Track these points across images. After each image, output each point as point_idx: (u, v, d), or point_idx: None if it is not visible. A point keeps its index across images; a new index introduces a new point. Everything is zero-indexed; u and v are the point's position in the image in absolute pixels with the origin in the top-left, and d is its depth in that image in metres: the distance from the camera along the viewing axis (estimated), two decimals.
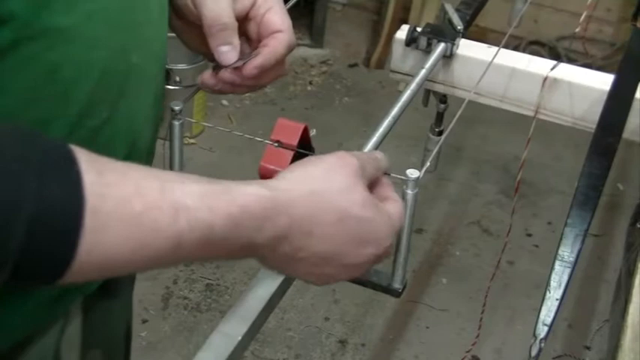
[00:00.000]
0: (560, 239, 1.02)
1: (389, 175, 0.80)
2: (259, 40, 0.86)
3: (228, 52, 0.81)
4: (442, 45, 1.25)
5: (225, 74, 0.85)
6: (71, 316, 0.89)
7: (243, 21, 0.86)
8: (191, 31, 0.88)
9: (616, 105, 1.19)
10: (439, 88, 1.32)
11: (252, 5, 0.85)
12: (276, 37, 0.84)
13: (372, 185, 0.74)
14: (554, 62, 1.27)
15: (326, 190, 0.68)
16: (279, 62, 0.85)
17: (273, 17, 0.84)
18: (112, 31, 0.73)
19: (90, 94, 0.72)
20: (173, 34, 0.92)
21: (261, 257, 0.68)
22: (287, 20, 0.85)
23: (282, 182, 0.67)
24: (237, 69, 0.84)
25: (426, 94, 1.36)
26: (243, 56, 0.84)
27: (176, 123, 0.86)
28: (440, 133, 1.39)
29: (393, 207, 0.75)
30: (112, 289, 0.97)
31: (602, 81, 1.24)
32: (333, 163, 0.70)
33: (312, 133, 0.88)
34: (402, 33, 1.29)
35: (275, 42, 0.84)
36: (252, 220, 0.63)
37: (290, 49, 0.85)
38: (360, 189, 0.70)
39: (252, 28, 0.86)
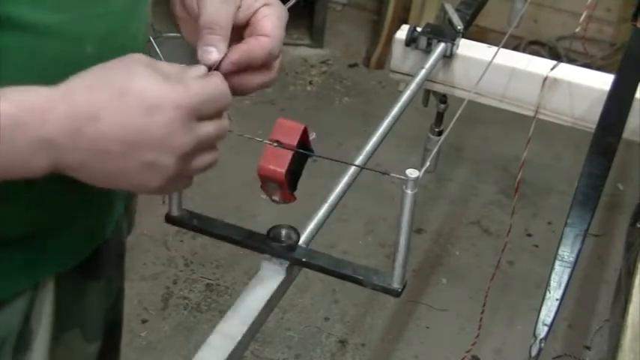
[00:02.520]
0: (560, 239, 1.02)
1: (388, 174, 0.80)
2: None
3: (211, 52, 0.81)
4: (442, 45, 1.25)
5: None
6: (41, 290, 0.89)
7: (242, 29, 0.86)
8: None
9: (616, 105, 1.19)
10: (439, 88, 1.32)
11: (254, 13, 0.85)
12: (259, 38, 0.84)
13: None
14: (554, 62, 1.27)
15: (107, 74, 0.70)
16: (261, 65, 0.84)
17: (264, 23, 0.84)
18: (64, 20, 0.75)
19: (39, 83, 0.72)
20: (173, 35, 0.92)
21: (71, 164, 0.69)
22: (278, 30, 0.84)
23: (66, 82, 0.69)
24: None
25: (426, 94, 1.36)
26: None
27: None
28: (440, 133, 1.39)
29: (198, 78, 0.73)
30: (91, 270, 0.98)
31: (602, 81, 1.24)
32: (119, 59, 0.72)
33: (313, 136, 0.88)
34: (402, 33, 1.29)
35: (255, 42, 0.83)
36: (30, 114, 0.66)
37: (270, 55, 0.84)
38: (141, 64, 0.70)
39: (247, 33, 0.86)
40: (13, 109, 0.65)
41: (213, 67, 0.80)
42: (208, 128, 0.74)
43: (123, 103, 0.69)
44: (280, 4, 0.87)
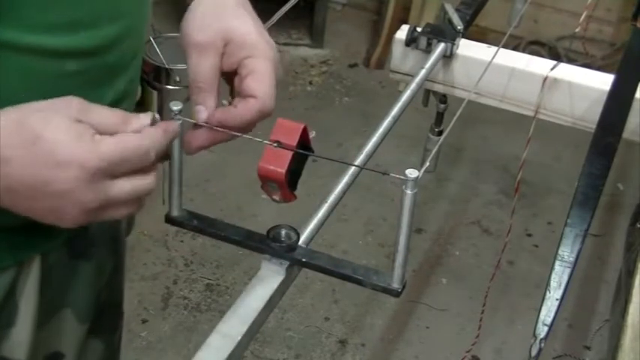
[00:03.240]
0: (560, 239, 1.02)
1: (388, 174, 0.80)
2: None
3: (200, 112, 0.85)
4: (442, 45, 1.25)
5: (196, 133, 0.87)
6: (26, 268, 0.91)
7: (232, 74, 0.87)
8: None
9: (616, 105, 1.19)
10: (439, 88, 1.32)
11: (239, 64, 0.86)
12: (248, 101, 0.85)
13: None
14: (554, 62, 1.27)
15: (26, 112, 0.71)
16: (249, 124, 0.86)
17: (250, 82, 0.85)
18: (48, 40, 0.77)
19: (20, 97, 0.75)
20: (173, 35, 0.93)
21: None
22: (265, 88, 0.85)
23: None
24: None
25: (426, 94, 1.36)
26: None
27: (175, 123, 0.86)
28: (440, 133, 1.39)
29: (115, 137, 0.74)
30: (80, 250, 0.99)
31: (602, 81, 1.24)
32: (48, 102, 0.73)
33: (312, 135, 0.88)
34: (402, 33, 1.29)
35: (244, 106, 0.85)
36: None
37: (261, 114, 0.86)
38: (64, 115, 0.71)
39: (236, 84, 0.88)
40: None
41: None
42: (122, 186, 0.74)
43: (32, 153, 0.70)
44: (267, 50, 0.87)
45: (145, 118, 0.77)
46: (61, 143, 0.70)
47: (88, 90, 0.82)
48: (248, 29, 0.86)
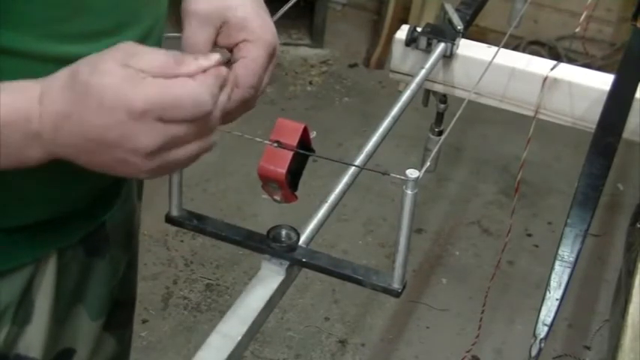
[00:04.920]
0: (560, 239, 1.02)
1: (388, 175, 0.80)
2: None
3: None
4: (442, 45, 1.25)
5: None
6: (43, 265, 0.91)
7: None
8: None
9: (616, 105, 1.19)
10: (439, 88, 1.32)
11: (236, 44, 0.85)
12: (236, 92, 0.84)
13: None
14: (554, 62, 1.27)
15: (76, 65, 0.71)
16: (229, 113, 0.83)
17: (238, 69, 0.84)
18: (63, 49, 0.78)
19: None
20: (173, 35, 0.93)
21: (61, 155, 0.72)
22: (248, 77, 0.84)
23: (47, 80, 0.71)
24: None
25: (426, 94, 1.36)
26: None
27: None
28: (440, 133, 1.39)
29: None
30: (96, 248, 0.99)
31: (602, 81, 1.24)
32: (101, 52, 0.71)
33: (313, 135, 0.88)
34: (402, 33, 1.29)
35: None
36: (15, 114, 0.69)
37: (243, 105, 0.85)
38: (112, 60, 0.70)
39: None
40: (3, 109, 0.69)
41: None
42: (177, 130, 0.71)
43: (85, 103, 0.69)
44: (264, 35, 0.85)
45: (205, 59, 0.72)
46: (108, 88, 0.69)
47: None
48: (248, 10, 0.85)
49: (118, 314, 1.10)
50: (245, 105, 0.85)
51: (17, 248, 0.88)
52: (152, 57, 0.71)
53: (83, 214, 0.93)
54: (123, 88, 0.69)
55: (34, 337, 0.93)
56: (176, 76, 0.70)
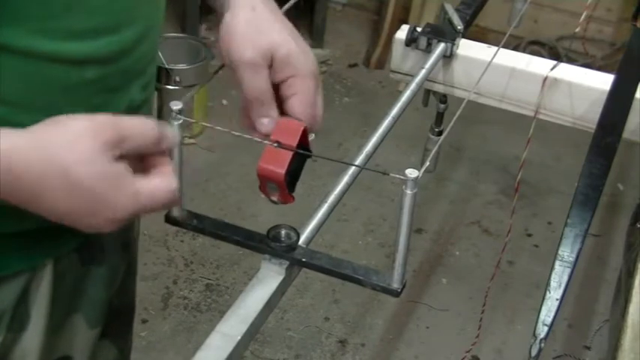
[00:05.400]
0: (560, 239, 1.02)
1: (388, 174, 0.80)
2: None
3: (266, 124, 0.88)
4: (442, 45, 1.25)
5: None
6: (39, 273, 0.91)
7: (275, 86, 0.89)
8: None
9: (616, 105, 1.19)
10: (439, 88, 1.32)
11: (284, 81, 0.89)
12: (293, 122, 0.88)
13: (141, 156, 0.76)
14: (554, 62, 1.27)
15: (63, 159, 0.71)
16: None
17: (294, 105, 0.89)
18: (66, 48, 0.78)
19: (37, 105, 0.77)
20: (173, 35, 0.93)
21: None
22: (308, 110, 0.89)
23: (21, 140, 0.70)
24: None
25: (426, 94, 1.36)
26: None
27: (175, 123, 0.86)
28: (440, 133, 1.39)
29: (151, 182, 0.75)
30: (92, 256, 1.00)
31: (602, 81, 1.24)
32: (85, 128, 0.72)
33: (312, 137, 0.89)
34: (402, 33, 1.29)
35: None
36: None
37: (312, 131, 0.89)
38: (101, 162, 0.71)
39: (282, 99, 0.90)
40: None
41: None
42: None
43: (67, 200, 0.72)
44: (309, 66, 0.90)
45: (150, 129, 0.77)
46: (99, 195, 0.72)
47: (105, 96, 0.83)
48: (290, 46, 0.88)
49: (117, 322, 1.10)
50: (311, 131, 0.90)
51: (13, 256, 0.88)
52: (136, 140, 0.74)
53: None
54: (116, 200, 0.73)
55: (30, 344, 0.93)
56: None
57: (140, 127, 0.75)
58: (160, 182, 0.76)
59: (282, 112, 0.89)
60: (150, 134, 0.75)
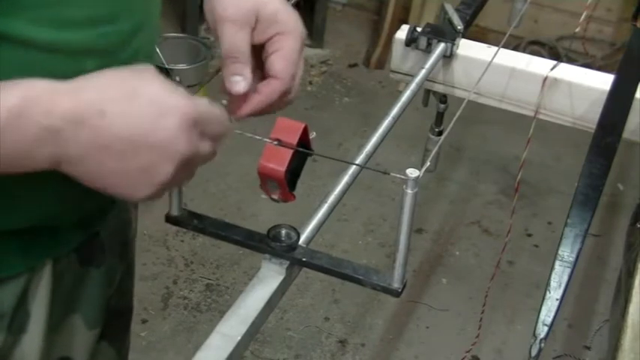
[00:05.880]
0: (560, 239, 1.02)
1: (388, 174, 0.80)
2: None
3: (238, 82, 0.86)
4: (442, 45, 1.25)
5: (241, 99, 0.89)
6: (38, 274, 0.91)
7: (259, 48, 0.89)
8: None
9: (616, 105, 1.19)
10: (439, 88, 1.32)
11: (269, 39, 0.88)
12: (270, 83, 0.87)
13: None
14: (554, 62, 1.27)
15: (118, 75, 0.72)
16: (272, 106, 0.88)
17: (275, 61, 0.87)
18: (65, 37, 0.77)
19: None
20: (173, 35, 0.93)
21: (69, 156, 0.70)
22: (289, 68, 0.87)
23: (73, 79, 0.71)
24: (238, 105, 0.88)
25: (426, 94, 1.36)
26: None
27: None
28: (440, 133, 1.39)
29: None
30: (90, 257, 0.99)
31: (602, 81, 1.24)
32: (131, 67, 0.74)
33: (312, 135, 0.89)
34: (402, 33, 1.29)
35: (267, 89, 0.87)
36: (35, 105, 0.67)
37: (284, 95, 0.88)
38: (153, 73, 0.73)
39: (263, 58, 0.89)
40: (18, 101, 0.67)
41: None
42: (206, 146, 0.76)
43: (132, 104, 0.71)
44: (296, 26, 0.89)
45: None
46: (161, 94, 0.72)
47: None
48: (276, 4, 0.88)
49: (115, 323, 1.10)
50: (285, 97, 0.88)
51: (11, 257, 0.87)
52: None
53: (77, 222, 0.93)
54: (176, 97, 0.72)
55: (30, 346, 0.92)
56: None
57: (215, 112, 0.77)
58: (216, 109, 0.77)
59: (264, 73, 0.88)
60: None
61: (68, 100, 0.69)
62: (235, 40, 0.86)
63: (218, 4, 0.87)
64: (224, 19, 0.86)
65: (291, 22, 0.88)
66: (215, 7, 0.87)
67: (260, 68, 0.89)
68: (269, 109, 0.88)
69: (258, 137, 0.88)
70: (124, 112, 0.70)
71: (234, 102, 0.87)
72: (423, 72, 1.18)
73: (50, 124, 0.68)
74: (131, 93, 0.71)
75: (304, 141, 0.87)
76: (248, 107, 0.87)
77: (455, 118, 0.98)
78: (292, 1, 1.06)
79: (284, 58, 0.87)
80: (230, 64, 0.86)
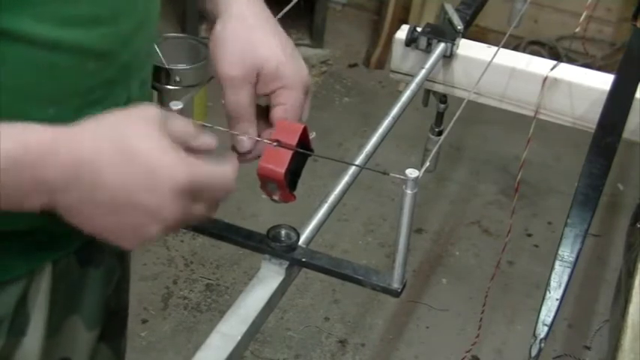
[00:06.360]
0: (560, 239, 1.02)
1: (388, 174, 0.80)
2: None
3: (243, 141, 0.89)
4: (442, 45, 1.25)
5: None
6: (37, 277, 0.91)
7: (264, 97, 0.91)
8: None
9: (616, 105, 1.19)
10: (439, 88, 1.32)
11: (272, 92, 0.89)
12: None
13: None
14: (554, 62, 1.27)
15: (115, 129, 0.71)
16: None
17: (278, 114, 0.89)
18: (69, 36, 0.77)
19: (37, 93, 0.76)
20: (173, 35, 0.93)
21: (61, 205, 0.70)
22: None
23: (71, 126, 0.70)
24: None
25: (426, 94, 1.36)
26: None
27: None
28: (440, 133, 1.39)
29: (208, 165, 0.74)
30: (90, 258, 0.99)
31: (602, 81, 1.24)
32: (131, 111, 0.73)
33: (312, 135, 0.89)
34: (402, 33, 1.29)
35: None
36: (33, 156, 0.67)
37: None
38: (153, 124, 0.72)
39: (270, 106, 0.91)
40: (15, 149, 0.67)
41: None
42: (199, 209, 0.75)
43: (127, 166, 0.70)
44: (298, 78, 0.90)
45: (210, 140, 0.78)
46: (157, 158, 0.71)
47: (106, 89, 0.83)
48: (279, 59, 0.89)
49: (112, 324, 1.10)
50: None
51: (11, 260, 0.87)
52: (180, 124, 0.75)
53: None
54: (172, 160, 0.71)
55: (30, 348, 0.92)
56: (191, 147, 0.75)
57: (180, 119, 0.77)
58: (217, 167, 0.76)
59: (268, 119, 0.91)
60: (189, 125, 0.77)
61: (65, 155, 0.69)
62: (238, 99, 0.88)
63: (220, 62, 0.88)
64: (226, 79, 0.88)
65: (294, 74, 0.89)
66: (217, 64, 0.88)
67: (264, 115, 0.91)
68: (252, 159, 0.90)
69: (258, 139, 0.88)
70: (118, 173, 0.70)
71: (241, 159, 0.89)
72: (423, 72, 1.18)
73: (45, 176, 0.68)
74: (127, 153, 0.70)
75: (304, 141, 0.87)
76: (252, 156, 0.90)
77: (455, 118, 0.98)
78: (292, 2, 1.05)
79: (286, 113, 0.89)
80: (234, 124, 0.88)
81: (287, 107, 0.89)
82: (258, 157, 0.88)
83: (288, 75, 0.89)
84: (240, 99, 0.88)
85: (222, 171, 0.76)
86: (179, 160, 0.71)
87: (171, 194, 0.71)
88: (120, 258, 1.09)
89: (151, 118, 0.73)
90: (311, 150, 0.88)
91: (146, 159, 0.70)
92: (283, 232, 0.90)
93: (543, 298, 0.96)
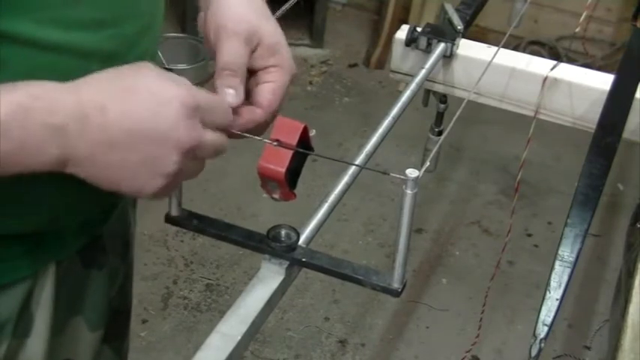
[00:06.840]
0: (560, 239, 1.02)
1: (388, 174, 0.80)
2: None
3: (231, 95, 0.85)
4: (442, 45, 1.25)
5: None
6: (41, 278, 0.91)
7: (252, 71, 0.89)
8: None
9: (616, 105, 1.19)
10: (439, 88, 1.32)
11: (265, 68, 0.88)
12: (253, 111, 0.87)
13: None
14: (554, 62, 1.27)
15: (115, 74, 0.73)
16: (248, 131, 0.87)
17: (264, 92, 0.87)
18: (71, 39, 0.78)
19: None
20: (173, 35, 0.93)
21: (74, 157, 0.71)
22: (275, 102, 0.88)
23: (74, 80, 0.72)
24: None
25: (426, 94, 1.36)
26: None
27: None
28: (440, 133, 1.39)
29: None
30: (93, 259, 0.99)
31: (602, 81, 1.24)
32: (129, 64, 0.75)
33: (312, 133, 0.89)
34: (402, 33, 1.29)
35: (247, 115, 0.86)
36: (40, 102, 0.68)
37: (260, 126, 0.88)
38: (151, 68, 0.74)
39: (252, 83, 0.89)
40: (23, 98, 0.68)
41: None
42: (210, 135, 0.76)
43: (131, 98, 0.72)
44: (290, 68, 0.89)
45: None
46: (159, 85, 0.73)
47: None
48: (280, 38, 0.89)
49: (115, 325, 1.10)
50: (260, 127, 0.88)
51: (17, 261, 0.87)
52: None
53: (81, 225, 0.93)
54: (174, 86, 0.73)
55: (34, 349, 0.92)
56: None
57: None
58: (214, 95, 0.79)
59: (247, 94, 0.88)
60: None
61: (70, 98, 0.70)
62: (237, 54, 0.86)
63: (222, 15, 0.86)
64: (228, 31, 0.86)
65: (289, 57, 0.89)
66: (219, 16, 0.87)
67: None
68: (238, 135, 0.86)
69: (258, 138, 0.88)
70: (124, 106, 0.71)
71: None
72: (423, 72, 1.18)
73: (54, 122, 0.69)
74: (130, 87, 0.72)
75: (304, 140, 0.87)
76: (241, 123, 0.86)
77: (455, 118, 0.98)
78: (292, 2, 1.06)
79: (274, 93, 0.87)
80: (226, 76, 0.85)
81: (275, 87, 0.88)
82: (245, 131, 0.86)
83: (285, 56, 0.88)
84: (239, 55, 0.85)
85: (220, 98, 0.80)
86: (179, 84, 0.74)
87: (179, 115, 0.72)
88: (123, 259, 1.09)
89: (148, 65, 0.75)
90: (311, 149, 0.88)
91: (149, 88, 0.72)
92: (283, 232, 0.90)
93: (543, 298, 0.96)
